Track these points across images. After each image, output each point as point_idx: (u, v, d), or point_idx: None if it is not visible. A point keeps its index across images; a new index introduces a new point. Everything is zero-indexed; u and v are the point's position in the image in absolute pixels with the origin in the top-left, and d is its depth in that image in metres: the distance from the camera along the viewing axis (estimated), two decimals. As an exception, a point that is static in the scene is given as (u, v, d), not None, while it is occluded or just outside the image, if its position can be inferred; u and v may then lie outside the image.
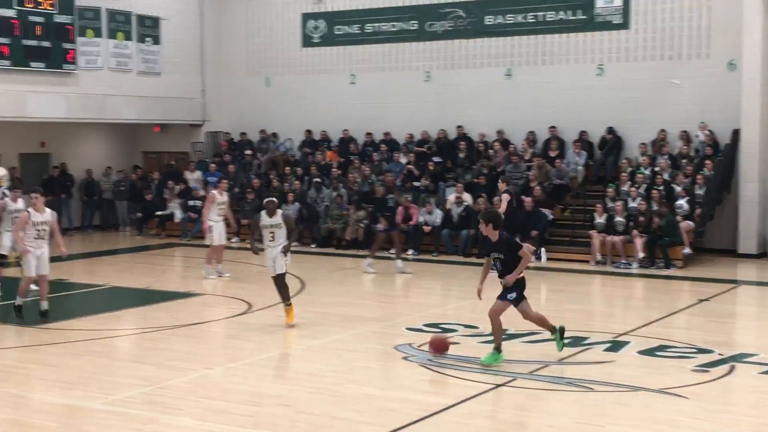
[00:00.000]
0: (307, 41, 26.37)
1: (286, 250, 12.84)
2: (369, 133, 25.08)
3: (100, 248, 22.58)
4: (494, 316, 10.61)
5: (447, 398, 9.34)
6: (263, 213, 13.07)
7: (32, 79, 23.00)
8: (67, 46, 23.61)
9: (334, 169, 23.92)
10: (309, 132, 26.01)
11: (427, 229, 20.98)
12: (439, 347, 11.06)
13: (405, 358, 11.03)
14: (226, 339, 12.26)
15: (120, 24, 25.21)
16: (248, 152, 26.11)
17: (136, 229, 25.47)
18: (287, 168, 24.84)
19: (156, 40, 26.16)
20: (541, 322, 10.92)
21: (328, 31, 25.99)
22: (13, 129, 24.08)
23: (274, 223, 12.95)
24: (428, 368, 10.58)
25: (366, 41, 25.46)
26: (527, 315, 10.79)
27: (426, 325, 12.95)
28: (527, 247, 11.05)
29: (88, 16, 24.33)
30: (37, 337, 12.47)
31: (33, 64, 22.90)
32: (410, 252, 20.72)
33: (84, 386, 9.89)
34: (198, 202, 23.09)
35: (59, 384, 9.96)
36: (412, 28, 24.85)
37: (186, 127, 27.45)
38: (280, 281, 12.87)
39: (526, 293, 10.73)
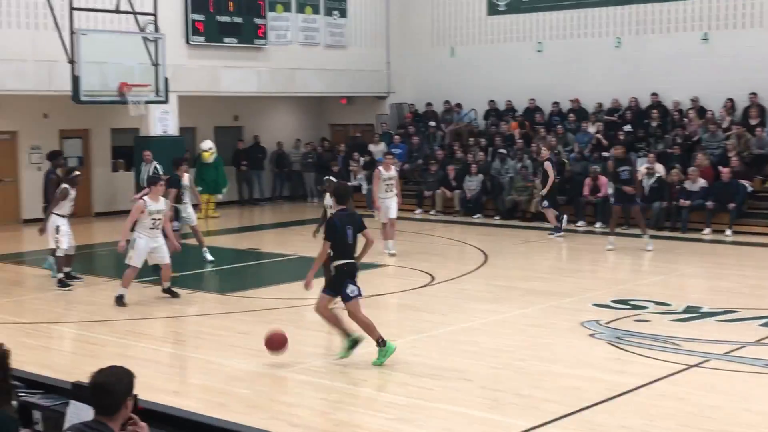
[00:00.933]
0: (493, 9, 25.98)
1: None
2: (555, 103, 24.50)
3: (289, 218, 23.21)
4: (355, 317, 9.44)
5: (636, 378, 8.94)
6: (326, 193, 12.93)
7: (225, 54, 23.81)
8: (258, 21, 24.26)
9: (518, 141, 23.52)
10: (492, 102, 25.69)
11: (615, 201, 20.29)
12: (276, 345, 9.48)
13: (592, 335, 10.69)
14: (409, 311, 12.26)
15: (308, -2, 25.68)
16: (432, 124, 26.09)
17: (323, 200, 25.95)
18: (471, 139, 24.66)
19: (342, 14, 26.49)
20: (335, 322, 9.63)
21: (514, -2, 25.53)
22: (209, 103, 25.07)
23: (329, 204, 12.71)
24: (616, 346, 10.20)
25: (553, 8, 24.81)
26: (352, 314, 9.52)
27: (614, 301, 12.53)
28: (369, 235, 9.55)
29: (277, -8, 24.92)
30: (228, 304, 12.92)
31: (226, 40, 23.68)
32: (597, 225, 20.18)
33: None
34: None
35: (249, 351, 10.23)
36: (601, -8, 24.02)
37: (371, 99, 27.72)
38: None
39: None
